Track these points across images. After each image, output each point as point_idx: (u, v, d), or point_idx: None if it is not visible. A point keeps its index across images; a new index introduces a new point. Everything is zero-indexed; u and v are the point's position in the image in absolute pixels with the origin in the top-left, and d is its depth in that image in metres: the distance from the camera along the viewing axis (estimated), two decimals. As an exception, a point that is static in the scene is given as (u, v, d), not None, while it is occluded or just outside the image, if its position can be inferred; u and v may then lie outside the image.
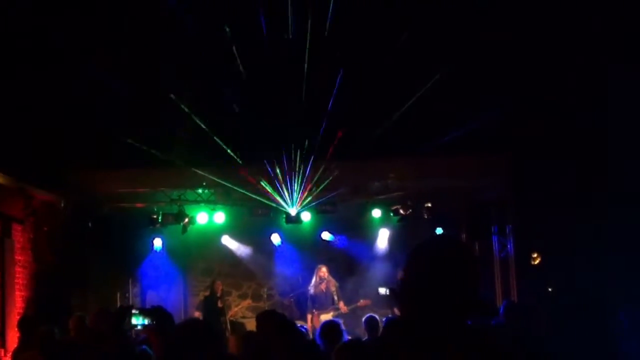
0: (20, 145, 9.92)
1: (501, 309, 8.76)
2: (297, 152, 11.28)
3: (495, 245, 13.20)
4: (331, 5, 8.35)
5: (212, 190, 12.67)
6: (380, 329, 8.33)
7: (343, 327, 7.33)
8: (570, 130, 10.14)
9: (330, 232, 14.33)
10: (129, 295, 14.08)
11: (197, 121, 10.68)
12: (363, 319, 8.83)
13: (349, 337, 6.42)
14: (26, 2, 8.79)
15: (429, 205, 12.86)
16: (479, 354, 2.28)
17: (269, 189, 11.86)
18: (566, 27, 9.19)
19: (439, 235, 12.14)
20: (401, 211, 12.93)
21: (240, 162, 11.18)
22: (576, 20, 9.00)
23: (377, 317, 8.79)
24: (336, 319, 7.66)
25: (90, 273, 12.39)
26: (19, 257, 10.98)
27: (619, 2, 9.16)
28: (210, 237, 14.26)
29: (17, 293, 10.83)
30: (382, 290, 11.81)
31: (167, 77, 10.17)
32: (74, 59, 9.33)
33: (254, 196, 12.09)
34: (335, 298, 13.00)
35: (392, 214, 13.18)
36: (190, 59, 9.71)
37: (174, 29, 9.34)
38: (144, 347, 5.05)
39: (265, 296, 14.78)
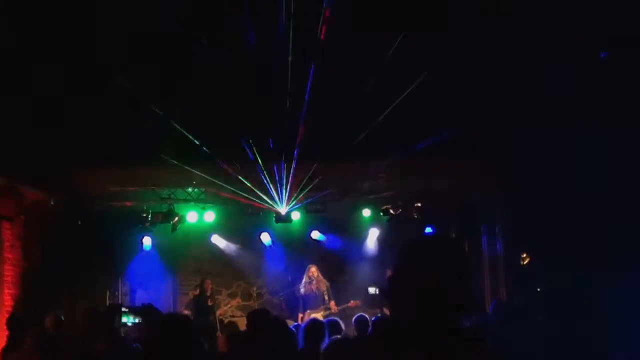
0: (10, 143, 9.87)
1: (490, 308, 8.82)
2: (287, 151, 11.26)
3: (485, 244, 13.25)
4: (323, 3, 8.34)
5: (202, 189, 12.66)
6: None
7: (343, 326, 7.36)
8: (563, 129, 10.15)
9: (320, 232, 14.35)
10: (118, 293, 14.05)
11: (187, 120, 10.66)
12: (353, 319, 8.86)
13: (338, 336, 6.42)
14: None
15: (419, 204, 12.91)
16: (467, 353, 2.30)
17: (258, 188, 11.86)
18: (561, 26, 9.21)
19: (428, 233, 12.18)
20: (391, 211, 12.97)
21: (231, 161, 11.16)
22: (572, 20, 9.02)
23: (367, 316, 8.81)
24: (332, 318, 7.68)
25: (80, 271, 12.34)
26: (9, 255, 10.95)
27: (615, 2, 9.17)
28: (200, 236, 14.25)
29: (6, 291, 10.80)
30: (372, 290, 11.85)
31: (156, 76, 10.14)
32: (65, 56, 9.29)
33: (244, 195, 12.09)
34: (326, 298, 13.00)
35: (382, 214, 13.22)
36: (182, 58, 9.68)
37: (162, 26, 9.31)
38: (135, 345, 5.06)
39: (255, 295, 14.80)
